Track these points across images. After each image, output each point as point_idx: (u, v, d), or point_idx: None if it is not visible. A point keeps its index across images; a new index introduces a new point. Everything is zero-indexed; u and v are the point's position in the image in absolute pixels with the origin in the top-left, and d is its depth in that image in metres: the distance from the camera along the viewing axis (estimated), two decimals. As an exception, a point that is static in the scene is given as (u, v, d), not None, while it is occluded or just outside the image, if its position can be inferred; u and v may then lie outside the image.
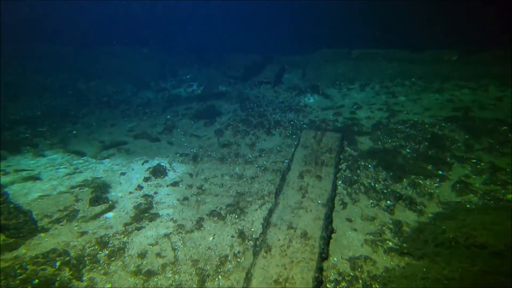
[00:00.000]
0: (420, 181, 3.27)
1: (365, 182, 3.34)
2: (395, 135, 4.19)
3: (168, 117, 5.39)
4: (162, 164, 3.62)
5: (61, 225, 2.68)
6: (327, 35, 8.16)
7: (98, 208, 2.86)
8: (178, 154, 4.04)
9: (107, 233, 2.62)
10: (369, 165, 3.61)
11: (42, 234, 2.55)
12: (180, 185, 3.43)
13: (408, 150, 3.84)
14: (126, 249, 2.48)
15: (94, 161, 3.61)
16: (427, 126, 4.27)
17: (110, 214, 2.80)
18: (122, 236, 2.61)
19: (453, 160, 3.55)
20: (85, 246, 2.47)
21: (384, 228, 2.70)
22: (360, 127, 4.51)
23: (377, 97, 5.50)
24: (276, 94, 5.89)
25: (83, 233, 2.61)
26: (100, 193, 2.97)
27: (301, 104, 5.45)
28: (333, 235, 2.66)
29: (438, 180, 3.25)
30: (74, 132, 4.65)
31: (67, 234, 2.59)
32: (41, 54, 8.13)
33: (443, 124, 4.25)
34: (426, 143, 3.92)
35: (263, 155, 4.08)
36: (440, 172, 3.37)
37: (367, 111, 4.98)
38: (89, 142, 4.25)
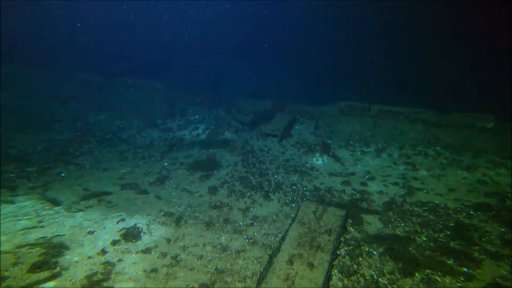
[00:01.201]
0: (438, 277, 2.81)
1: (366, 274, 2.92)
2: (410, 218, 3.80)
3: (165, 164, 5.39)
4: (138, 226, 3.45)
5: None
6: (346, 85, 8.30)
7: (36, 276, 2.61)
8: (162, 213, 3.88)
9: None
10: (374, 252, 3.21)
11: None
12: (153, 253, 3.19)
13: (424, 239, 3.42)
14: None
15: (66, 213, 3.53)
16: (450, 211, 3.84)
17: (50, 284, 2.54)
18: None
19: (483, 256, 3.07)
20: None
21: None
22: (369, 204, 4.16)
23: (394, 167, 5.17)
24: (282, 149, 5.78)
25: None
26: (50, 256, 2.78)
27: (308, 165, 5.24)
28: None
29: (462, 279, 2.78)
30: (62, 175, 4.73)
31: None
32: (62, 80, 8.94)
33: (471, 212, 3.79)
34: (448, 232, 3.47)
35: (255, 224, 3.81)
36: (465, 270, 2.90)
37: (380, 184, 4.65)
38: (72, 189, 4.24)
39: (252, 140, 6.12)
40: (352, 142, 5.91)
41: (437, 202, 4.09)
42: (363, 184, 4.70)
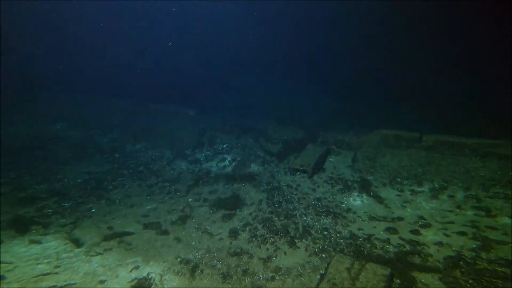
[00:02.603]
0: None
1: None
2: (492, 281, 3.05)
3: (189, 200, 5.39)
4: (151, 276, 3.37)
5: None
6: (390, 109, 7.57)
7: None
8: (178, 260, 3.77)
9: None
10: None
11: None
12: (162, 310, 3.05)
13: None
14: None
15: (84, 257, 3.64)
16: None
17: None
18: None
19: None
20: None
21: None
22: (424, 259, 3.50)
23: (459, 212, 4.34)
24: (313, 185, 5.35)
25: None
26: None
27: (343, 206, 4.72)
28: None
29: None
30: (93, 210, 5.02)
31: None
32: (106, 109, 9.97)
33: None
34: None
35: (277, 278, 3.46)
36: None
37: (439, 233, 3.91)
38: (98, 227, 4.44)
39: (280, 174, 5.82)
40: (399, 180, 5.17)
41: (531, 261, 3.25)
42: (415, 232, 4.01)
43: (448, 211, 4.42)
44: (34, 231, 4.24)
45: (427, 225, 4.11)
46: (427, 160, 5.27)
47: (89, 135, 9.27)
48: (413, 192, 4.89)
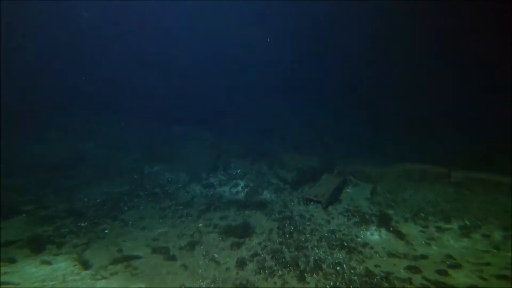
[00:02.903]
0: None
1: None
2: None
3: (200, 225, 5.35)
4: (151, 304, 3.29)
5: None
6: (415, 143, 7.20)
7: None
8: (182, 288, 3.66)
9: None
10: None
11: None
12: None
13: None
14: None
15: (89, 281, 3.65)
16: None
17: None
18: None
19: None
20: None
21: None
22: (449, 306, 3.13)
23: (496, 253, 3.93)
24: (328, 216, 5.11)
25: None
26: None
27: (359, 240, 4.43)
28: None
29: None
30: (106, 231, 5.13)
31: None
32: (129, 128, 10.46)
33: None
34: None
35: (284, 316, 3.22)
36: None
37: (472, 275, 3.53)
38: (108, 249, 4.49)
39: (293, 203, 5.65)
40: (423, 215, 4.81)
41: None
42: (442, 272, 3.64)
43: (483, 251, 3.99)
44: (48, 251, 4.37)
45: (456, 265, 3.73)
46: (455, 197, 4.89)
47: (112, 155, 9.72)
48: (439, 229, 4.50)
